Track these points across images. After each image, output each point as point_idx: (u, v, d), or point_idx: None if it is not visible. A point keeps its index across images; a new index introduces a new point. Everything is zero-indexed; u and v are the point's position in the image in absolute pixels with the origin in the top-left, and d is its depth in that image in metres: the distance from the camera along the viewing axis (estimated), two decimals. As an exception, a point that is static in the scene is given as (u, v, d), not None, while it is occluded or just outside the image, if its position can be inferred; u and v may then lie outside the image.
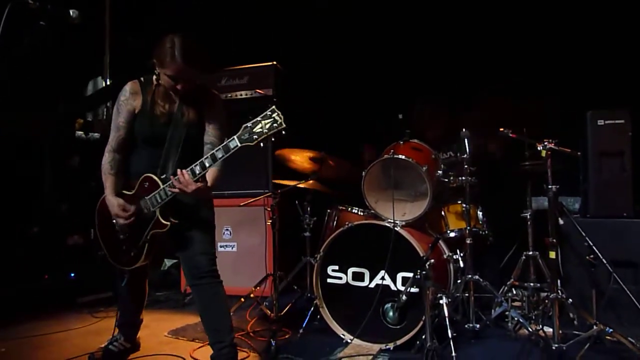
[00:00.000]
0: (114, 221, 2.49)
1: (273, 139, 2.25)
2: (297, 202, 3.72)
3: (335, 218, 3.51)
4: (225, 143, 2.22)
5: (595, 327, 2.69)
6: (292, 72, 4.63)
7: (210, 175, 2.39)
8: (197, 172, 2.26)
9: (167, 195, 2.34)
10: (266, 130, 2.14)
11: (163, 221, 2.38)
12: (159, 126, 2.44)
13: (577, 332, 2.78)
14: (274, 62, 4.43)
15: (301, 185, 3.54)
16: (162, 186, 2.36)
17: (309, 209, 3.65)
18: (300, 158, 3.63)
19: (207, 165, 2.25)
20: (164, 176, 2.39)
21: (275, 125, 2.13)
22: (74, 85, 4.80)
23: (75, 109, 4.68)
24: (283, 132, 2.13)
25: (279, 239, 3.43)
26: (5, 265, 3.78)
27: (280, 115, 2.13)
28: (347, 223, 3.12)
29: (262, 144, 2.18)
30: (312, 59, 4.75)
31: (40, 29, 2.21)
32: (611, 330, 2.66)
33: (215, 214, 2.64)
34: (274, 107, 2.15)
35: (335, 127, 4.55)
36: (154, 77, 2.44)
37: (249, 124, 2.17)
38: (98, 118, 4.95)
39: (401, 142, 3.27)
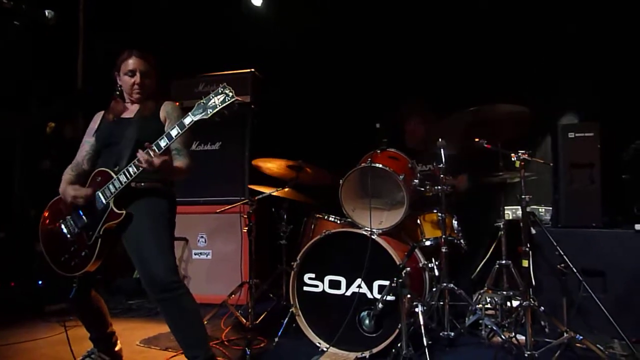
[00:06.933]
0: (60, 224, 2.50)
1: (224, 113, 2.29)
2: (273, 209, 3.71)
3: (312, 226, 3.51)
4: (179, 120, 2.29)
5: (565, 334, 2.74)
6: (270, 79, 4.64)
7: (176, 164, 2.46)
8: (163, 145, 2.28)
9: (121, 183, 2.35)
10: (219, 104, 2.22)
11: (117, 211, 2.36)
12: (112, 127, 2.56)
13: (548, 340, 2.84)
14: (252, 69, 4.43)
15: (277, 194, 3.53)
16: (115, 176, 2.37)
17: (285, 216, 3.65)
18: (277, 166, 3.63)
19: (167, 141, 2.28)
20: (116, 168, 2.40)
21: (227, 99, 2.22)
22: (47, 87, 4.69)
23: (48, 113, 4.57)
24: (235, 107, 2.25)
25: (255, 247, 3.41)
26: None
27: (232, 90, 2.24)
28: (324, 231, 3.12)
29: (217, 119, 2.26)
30: (290, 67, 4.77)
31: (14, 28, 2.16)
32: (581, 337, 2.72)
33: (176, 214, 2.60)
34: (225, 84, 2.25)
35: (313, 135, 4.56)
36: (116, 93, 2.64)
37: (202, 101, 2.25)
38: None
39: (378, 151, 3.29)
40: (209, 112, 2.23)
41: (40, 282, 4.10)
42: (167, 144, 2.28)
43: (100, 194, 2.40)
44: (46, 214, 2.60)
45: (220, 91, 2.23)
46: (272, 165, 3.65)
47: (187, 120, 2.27)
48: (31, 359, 2.91)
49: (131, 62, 2.55)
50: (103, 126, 2.62)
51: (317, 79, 4.71)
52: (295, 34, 4.75)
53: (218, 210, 3.82)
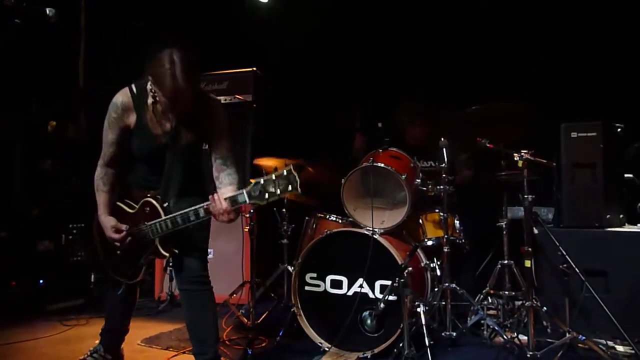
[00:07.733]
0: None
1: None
2: (275, 209, 3.70)
3: (314, 226, 3.50)
4: (233, 195, 2.09)
5: (568, 334, 2.74)
6: (272, 78, 4.64)
7: (228, 179, 2.34)
8: (241, 201, 2.08)
9: (168, 227, 2.24)
10: (279, 192, 1.97)
11: (163, 252, 2.31)
12: (158, 148, 2.29)
13: (550, 340, 2.83)
14: (254, 68, 4.42)
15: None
16: (163, 217, 2.26)
17: (286, 216, 3.64)
18: (278, 165, 3.61)
19: (239, 201, 2.08)
20: (165, 205, 2.29)
21: (289, 188, 1.96)
22: (48, 86, 4.68)
23: (49, 111, 4.57)
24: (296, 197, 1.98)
25: (256, 246, 3.40)
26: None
27: (297, 179, 1.95)
28: (325, 231, 3.11)
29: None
30: (292, 65, 4.76)
31: (15, 27, 2.16)
32: (583, 337, 2.72)
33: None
34: (291, 167, 1.97)
35: (315, 134, 4.56)
36: (148, 86, 2.19)
37: (261, 180, 2.00)
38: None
39: (380, 151, 3.28)
40: (265, 198, 1.99)
41: (41, 282, 4.09)
42: (244, 201, 2.06)
43: (148, 228, 2.30)
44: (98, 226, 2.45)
45: (285, 175, 1.96)
46: (273, 165, 3.63)
47: (241, 199, 2.06)
48: (32, 358, 2.90)
49: (175, 89, 2.08)
50: (141, 137, 2.29)
51: (319, 78, 4.70)
52: (298, 33, 4.74)
53: (220, 210, 3.80)
